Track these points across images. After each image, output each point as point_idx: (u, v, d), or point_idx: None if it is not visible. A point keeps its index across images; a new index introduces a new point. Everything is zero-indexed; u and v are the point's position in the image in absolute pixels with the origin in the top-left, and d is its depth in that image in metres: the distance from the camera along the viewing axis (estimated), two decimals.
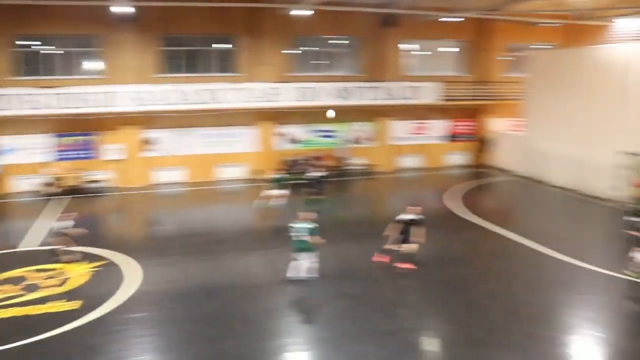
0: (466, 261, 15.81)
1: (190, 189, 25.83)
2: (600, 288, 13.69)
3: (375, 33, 28.22)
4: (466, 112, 30.41)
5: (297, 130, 28.17)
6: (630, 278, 13.83)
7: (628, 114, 21.97)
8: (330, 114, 17.90)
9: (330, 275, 14.01)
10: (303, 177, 23.22)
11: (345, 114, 27.62)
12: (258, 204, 20.92)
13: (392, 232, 14.80)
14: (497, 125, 30.95)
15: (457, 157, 31.06)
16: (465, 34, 30.05)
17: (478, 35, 30.27)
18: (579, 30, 30.66)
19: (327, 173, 23.35)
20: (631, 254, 14.05)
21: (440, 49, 30.75)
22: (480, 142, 30.99)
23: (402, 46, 29.08)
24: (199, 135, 26.73)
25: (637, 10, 21.78)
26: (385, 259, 14.93)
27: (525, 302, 12.75)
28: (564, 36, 31.66)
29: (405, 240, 14.62)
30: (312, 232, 13.40)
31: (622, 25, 25.83)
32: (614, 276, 14.27)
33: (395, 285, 13.77)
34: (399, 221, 14.76)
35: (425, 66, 30.23)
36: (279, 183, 21.06)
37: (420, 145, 30.17)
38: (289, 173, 23.97)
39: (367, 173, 28.53)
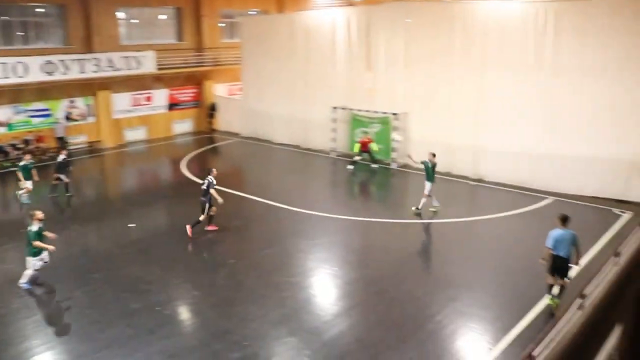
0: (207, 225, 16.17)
1: None
2: (329, 231, 15.34)
3: (84, 0, 26.13)
4: (188, 79, 30.41)
5: (3, 112, 24.87)
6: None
7: (336, 73, 24.45)
8: (396, 137, 16.28)
9: (70, 265, 13.11)
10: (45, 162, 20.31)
11: (59, 89, 25.39)
12: (22, 198, 17.81)
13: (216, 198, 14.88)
14: (220, 90, 31.71)
15: (184, 125, 31.02)
16: (179, 0, 29.77)
17: (192, 2, 30.25)
18: None
19: (67, 155, 19.97)
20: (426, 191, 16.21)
21: (158, 17, 29.99)
22: (206, 108, 31.41)
23: (115, 14, 27.55)
24: None
25: None
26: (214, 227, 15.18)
27: (267, 254, 13.65)
28: (276, 2, 33.56)
29: (210, 203, 14.89)
30: (35, 235, 11.82)
31: None
32: (339, 218, 16.11)
33: (138, 261, 13.44)
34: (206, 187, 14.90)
35: (143, 35, 29.21)
36: (25, 171, 17.70)
37: (145, 116, 29.32)
38: (31, 160, 18.94)
39: (92, 151, 26.83)
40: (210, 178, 14.98)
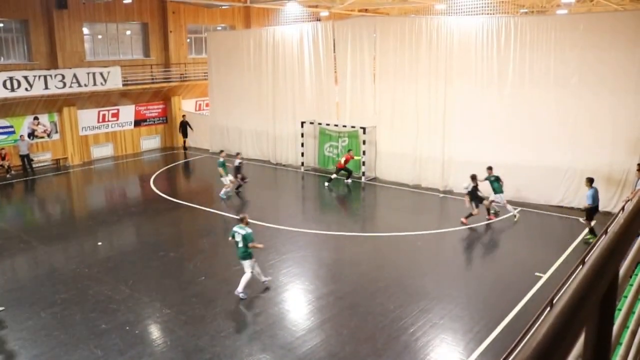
0: (176, 242, 15.99)
1: None
2: (299, 245, 15.30)
3: (47, 15, 25.75)
4: (155, 95, 30.14)
5: None
6: None
7: (304, 88, 24.55)
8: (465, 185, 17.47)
9: (36, 285, 12.79)
10: None
11: (23, 106, 24.89)
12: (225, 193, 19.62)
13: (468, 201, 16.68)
14: (188, 106, 31.51)
15: (152, 141, 30.70)
16: (145, 16, 29.61)
17: (158, 18, 30.11)
18: (256, 13, 32.99)
19: (242, 160, 21.28)
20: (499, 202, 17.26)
21: (122, 32, 29.72)
22: (173, 124, 31.08)
23: (80, 30, 27.21)
24: None
25: None
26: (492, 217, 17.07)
27: (238, 271, 13.49)
28: (243, 18, 33.67)
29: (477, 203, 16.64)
30: (251, 237, 12.07)
31: (291, 8, 28.91)
32: (309, 233, 16.08)
33: (107, 280, 13.17)
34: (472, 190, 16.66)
35: (108, 50, 28.94)
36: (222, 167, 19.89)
37: (112, 132, 28.97)
38: None
39: (57, 169, 26.34)
40: (470, 183, 16.60)
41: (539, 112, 18.20)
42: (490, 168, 17.25)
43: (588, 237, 15.09)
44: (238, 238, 12.01)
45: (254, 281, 12.26)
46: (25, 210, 20.63)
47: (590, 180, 15.00)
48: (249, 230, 12.05)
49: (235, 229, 12.20)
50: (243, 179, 20.64)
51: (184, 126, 29.91)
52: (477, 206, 16.70)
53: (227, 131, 28.32)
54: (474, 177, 16.79)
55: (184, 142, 30.15)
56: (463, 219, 16.65)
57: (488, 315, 10.97)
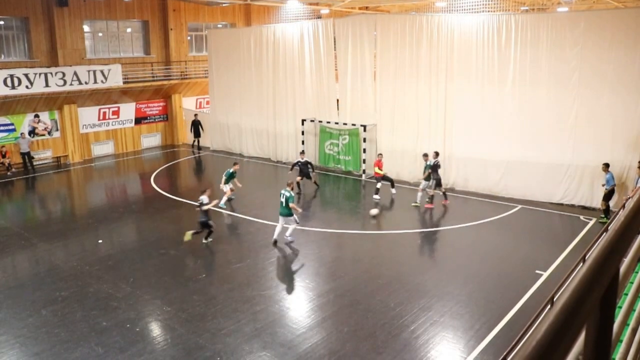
0: (177, 240, 15.95)
1: None
2: (300, 243, 15.30)
3: (48, 13, 25.76)
4: (156, 92, 30.12)
5: None
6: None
7: (305, 85, 24.51)
8: (374, 212, 17.75)
9: (37, 283, 12.80)
10: None
11: (23, 104, 24.88)
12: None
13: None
14: (188, 103, 31.49)
15: (152, 139, 30.68)
16: (146, 13, 29.59)
17: (159, 15, 30.09)
18: (257, 10, 32.98)
19: (307, 159, 21.37)
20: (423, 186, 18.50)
21: (122, 29, 29.71)
22: (174, 122, 31.05)
23: (81, 27, 27.20)
24: None
25: None
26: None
27: (238, 268, 13.55)
28: (243, 15, 33.65)
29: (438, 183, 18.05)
30: (292, 199, 14.66)
31: (291, 5, 28.89)
32: (310, 231, 16.08)
33: (107, 278, 13.18)
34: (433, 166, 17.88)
35: (109, 48, 28.95)
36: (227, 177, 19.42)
37: (113, 130, 28.95)
38: None
39: (58, 166, 26.34)
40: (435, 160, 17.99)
41: (539, 110, 18.18)
42: (426, 155, 18.58)
43: (602, 216, 16.42)
44: (282, 198, 14.60)
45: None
46: (25, 208, 20.64)
47: (607, 165, 16.46)
48: (293, 194, 14.80)
49: (282, 191, 14.75)
50: (309, 177, 20.79)
51: (196, 125, 29.37)
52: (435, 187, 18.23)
53: (228, 129, 28.30)
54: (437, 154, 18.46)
55: (197, 141, 29.39)
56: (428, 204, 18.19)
57: (489, 313, 10.98)
